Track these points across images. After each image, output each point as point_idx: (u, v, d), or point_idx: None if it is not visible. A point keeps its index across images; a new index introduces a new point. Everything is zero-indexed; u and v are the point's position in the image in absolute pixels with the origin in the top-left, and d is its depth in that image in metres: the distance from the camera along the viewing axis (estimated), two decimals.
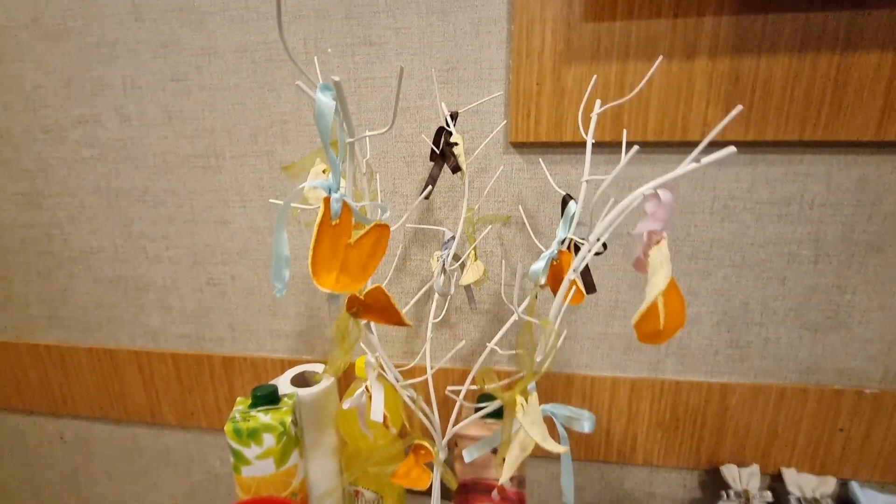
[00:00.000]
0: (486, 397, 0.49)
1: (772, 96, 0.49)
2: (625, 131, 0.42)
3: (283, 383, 0.55)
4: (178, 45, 0.57)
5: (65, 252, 0.68)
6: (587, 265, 0.42)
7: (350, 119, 0.26)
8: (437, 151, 0.46)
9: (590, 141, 0.38)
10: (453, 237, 0.48)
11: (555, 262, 0.40)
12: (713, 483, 0.63)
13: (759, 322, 0.57)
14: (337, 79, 0.24)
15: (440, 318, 0.55)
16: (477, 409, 0.44)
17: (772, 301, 0.56)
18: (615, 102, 0.47)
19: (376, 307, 0.29)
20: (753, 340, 0.58)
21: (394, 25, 0.53)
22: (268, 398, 0.49)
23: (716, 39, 0.48)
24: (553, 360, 0.34)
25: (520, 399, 0.32)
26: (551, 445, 0.30)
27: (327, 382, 0.56)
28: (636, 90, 0.41)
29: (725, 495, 0.57)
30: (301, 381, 0.58)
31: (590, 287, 0.41)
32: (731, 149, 0.24)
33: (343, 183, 0.27)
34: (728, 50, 0.48)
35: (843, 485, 0.60)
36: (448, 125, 0.47)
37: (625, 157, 0.31)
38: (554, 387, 0.60)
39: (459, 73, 0.54)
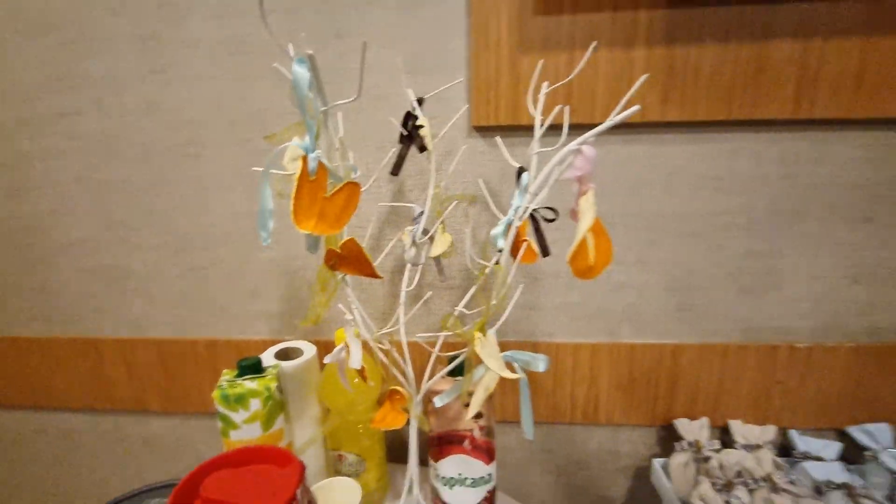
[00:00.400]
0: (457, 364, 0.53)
1: (702, 81, 0.55)
2: (566, 109, 0.47)
3: (267, 357, 0.58)
4: (157, 38, 0.60)
5: (46, 244, 0.70)
6: (541, 231, 0.47)
7: (323, 89, 0.30)
8: (406, 133, 0.51)
9: (538, 117, 0.43)
10: (422, 212, 0.53)
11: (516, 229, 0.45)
12: (669, 437, 0.68)
13: (703, 286, 0.63)
14: (311, 52, 0.28)
15: (412, 286, 0.59)
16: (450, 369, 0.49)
17: (712, 267, 0.62)
18: (561, 83, 0.52)
19: (351, 258, 0.33)
20: (698, 304, 0.64)
21: (364, 19, 0.58)
22: (252, 368, 0.53)
23: (651, 31, 0.54)
24: (505, 300, 0.38)
25: (478, 335, 0.36)
26: (507, 373, 0.35)
27: (309, 355, 0.59)
28: (575, 71, 0.46)
29: (680, 447, 0.63)
30: (284, 356, 0.61)
31: (545, 250, 0.46)
32: (634, 108, 0.29)
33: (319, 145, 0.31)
34: (662, 40, 0.54)
35: (783, 432, 0.66)
36: (414, 109, 0.51)
37: (565, 132, 0.36)
38: None
39: (426, 62, 0.58)
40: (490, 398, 0.46)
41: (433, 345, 0.47)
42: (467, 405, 0.50)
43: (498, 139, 0.51)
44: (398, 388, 0.44)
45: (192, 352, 0.70)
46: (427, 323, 0.66)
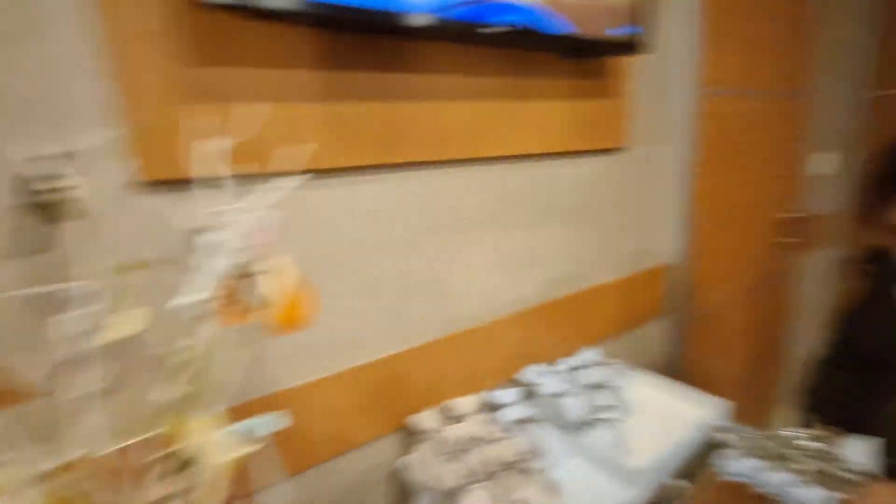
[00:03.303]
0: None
1: (365, 131, 0.65)
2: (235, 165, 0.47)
3: None
4: None
5: None
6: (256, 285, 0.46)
7: None
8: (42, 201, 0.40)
9: (227, 174, 0.42)
10: (96, 291, 0.43)
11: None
12: (411, 435, 0.77)
13: (403, 298, 0.74)
14: None
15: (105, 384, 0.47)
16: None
17: (406, 280, 0.74)
18: (243, 139, 0.52)
19: None
20: (403, 314, 0.74)
21: None
22: None
23: (314, 88, 0.61)
24: (204, 373, 0.35)
25: (195, 427, 0.32)
26: (244, 451, 0.32)
27: None
28: (246, 132, 0.47)
29: (420, 439, 0.72)
30: None
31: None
32: (304, 176, 0.33)
33: None
34: (326, 96, 0.61)
35: (490, 394, 0.84)
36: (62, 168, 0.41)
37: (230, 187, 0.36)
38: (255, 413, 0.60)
39: (46, 111, 0.47)
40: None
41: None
42: None
43: (160, 200, 0.46)
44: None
45: None
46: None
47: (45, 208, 0.39)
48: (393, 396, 0.74)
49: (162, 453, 0.34)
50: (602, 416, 0.80)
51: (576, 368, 0.91)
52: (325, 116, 0.62)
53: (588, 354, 0.95)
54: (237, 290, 0.44)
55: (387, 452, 0.75)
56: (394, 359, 0.73)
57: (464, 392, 0.82)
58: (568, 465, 0.74)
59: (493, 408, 0.80)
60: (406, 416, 0.76)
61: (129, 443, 0.37)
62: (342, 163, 0.64)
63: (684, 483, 0.74)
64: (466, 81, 0.74)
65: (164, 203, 0.54)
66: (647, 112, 1.04)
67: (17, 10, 0.45)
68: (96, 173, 0.49)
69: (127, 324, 0.45)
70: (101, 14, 0.48)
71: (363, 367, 0.70)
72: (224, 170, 0.45)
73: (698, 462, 0.76)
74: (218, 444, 0.32)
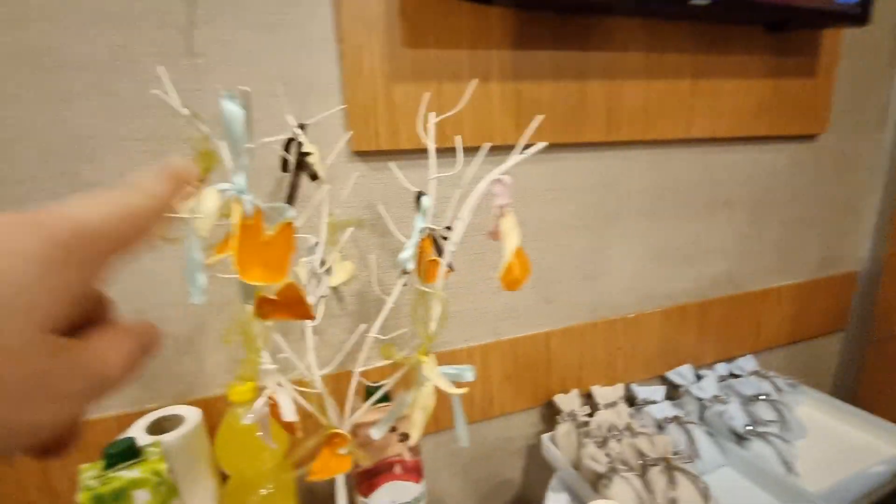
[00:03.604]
0: (373, 391, 0.52)
1: (543, 110, 0.66)
2: (459, 138, 0.52)
3: (138, 435, 0.48)
4: None
5: None
6: (441, 246, 0.50)
7: (252, 126, 0.27)
8: (294, 162, 0.48)
9: (432, 146, 0.46)
10: (318, 242, 0.51)
11: (418, 251, 0.47)
12: (550, 413, 0.79)
13: (559, 279, 0.75)
14: (247, 89, 0.25)
15: (318, 320, 0.56)
16: (368, 400, 0.48)
17: (564, 263, 0.74)
18: (447, 114, 0.56)
19: (286, 304, 0.30)
20: (558, 295, 0.75)
21: (219, 38, 0.53)
22: (126, 454, 0.43)
23: (502, 67, 0.63)
24: (446, 320, 0.40)
25: (423, 358, 0.37)
26: (454, 390, 0.37)
27: (193, 421, 0.51)
28: (460, 105, 0.51)
29: (561, 419, 0.73)
30: (158, 430, 0.51)
31: (450, 267, 0.49)
32: (543, 143, 0.35)
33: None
34: (511, 75, 0.63)
35: (627, 387, 0.83)
36: (297, 136, 0.49)
37: (462, 158, 0.40)
38: None
39: (294, 87, 0.56)
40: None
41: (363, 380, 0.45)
42: (393, 430, 0.50)
43: (392, 166, 0.52)
44: (337, 430, 0.41)
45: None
46: (323, 355, 0.63)
47: (302, 168, 0.46)
48: (537, 373, 0.76)
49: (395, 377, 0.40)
50: (762, 429, 0.73)
51: (732, 376, 0.85)
52: (512, 94, 0.64)
53: (746, 362, 0.87)
54: (432, 251, 0.48)
55: (526, 426, 0.78)
56: (542, 336, 0.75)
57: (605, 380, 0.81)
58: (719, 473, 0.70)
59: (638, 402, 0.78)
60: (547, 395, 0.78)
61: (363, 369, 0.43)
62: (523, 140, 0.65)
63: None
64: (650, 58, 0.70)
65: (376, 171, 0.61)
66: (855, 94, 0.88)
67: (277, 4, 0.53)
68: (324, 141, 0.58)
69: (342, 272, 0.53)
70: (337, 2, 0.55)
71: (515, 340, 0.73)
72: (431, 144, 0.49)
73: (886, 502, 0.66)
74: (445, 380, 0.36)
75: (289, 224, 0.28)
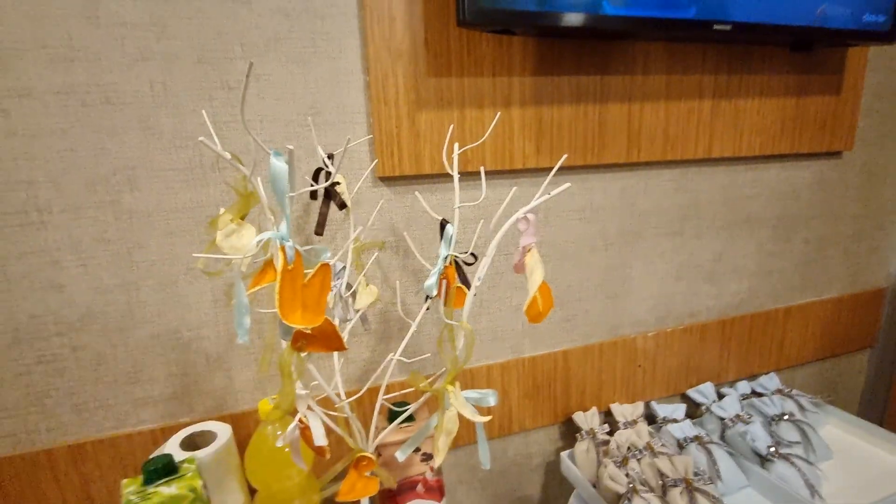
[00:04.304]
0: (395, 414, 0.54)
1: (563, 134, 0.67)
2: (482, 169, 0.54)
3: (173, 450, 0.50)
4: None
5: None
6: (465, 274, 0.52)
7: (294, 179, 0.29)
8: (322, 191, 0.50)
9: (456, 177, 0.48)
10: (344, 267, 0.53)
11: (441, 277, 0.49)
12: (569, 430, 0.80)
13: (579, 298, 0.76)
14: (291, 147, 0.27)
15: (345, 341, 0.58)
16: (394, 422, 0.50)
17: (584, 281, 0.75)
18: (469, 146, 0.58)
19: (321, 337, 0.32)
20: (578, 313, 0.76)
21: (253, 72, 0.55)
22: (164, 469, 0.45)
23: (523, 93, 0.64)
24: (472, 351, 0.41)
25: (450, 388, 0.39)
26: (478, 418, 0.38)
27: (225, 437, 0.53)
28: (485, 136, 0.53)
29: (580, 437, 0.74)
30: (191, 445, 0.53)
31: (467, 284, 0.51)
32: (567, 185, 0.36)
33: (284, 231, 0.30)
34: (532, 101, 0.65)
35: (647, 405, 0.83)
36: (326, 166, 0.51)
37: (483, 186, 0.41)
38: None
39: (324, 116, 0.58)
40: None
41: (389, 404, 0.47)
42: (416, 450, 0.52)
43: (418, 194, 0.54)
44: (366, 453, 0.43)
45: (47, 464, 0.56)
46: (347, 372, 0.65)
47: (331, 197, 0.48)
48: (557, 391, 0.77)
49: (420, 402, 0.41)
50: (786, 451, 0.72)
51: (755, 394, 0.84)
52: (533, 119, 0.65)
53: (769, 380, 0.86)
54: (456, 279, 0.50)
55: (545, 443, 0.79)
56: (561, 354, 0.76)
57: (625, 398, 0.81)
58: (741, 494, 0.69)
59: (658, 420, 0.78)
60: (566, 412, 0.78)
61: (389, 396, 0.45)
62: (546, 163, 0.67)
63: None
64: (670, 80, 0.70)
65: (399, 195, 0.62)
66: (882, 110, 0.87)
67: (311, 39, 0.56)
68: (348, 168, 0.60)
69: (367, 295, 0.55)
70: (364, 35, 0.57)
71: (534, 358, 0.74)
72: (455, 173, 0.50)
73: None
74: (470, 409, 0.38)
75: (325, 266, 0.30)
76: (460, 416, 0.40)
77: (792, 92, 0.78)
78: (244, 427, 0.61)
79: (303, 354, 0.34)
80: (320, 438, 0.37)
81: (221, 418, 0.60)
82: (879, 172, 0.92)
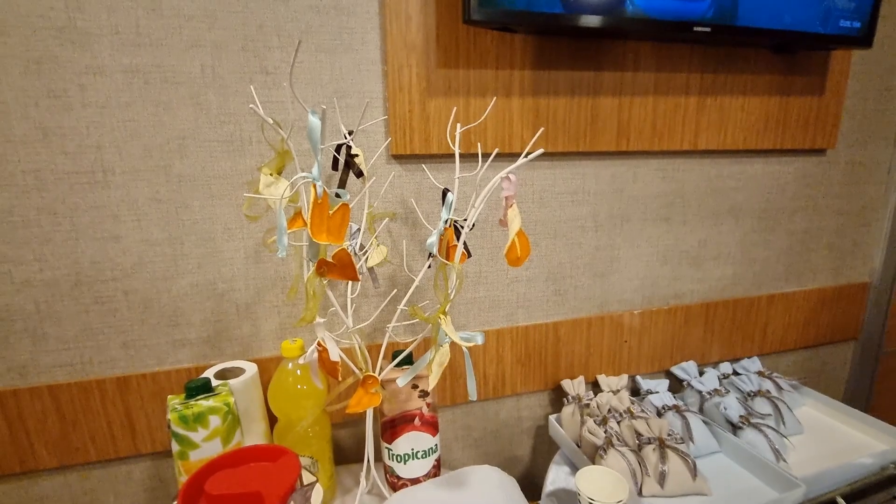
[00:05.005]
0: (398, 356, 0.62)
1: (558, 122, 0.75)
2: (479, 144, 0.61)
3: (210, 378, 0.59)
4: (54, 62, 0.57)
5: None
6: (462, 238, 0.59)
7: (325, 133, 0.37)
8: (343, 161, 0.59)
9: (457, 151, 0.55)
10: (359, 229, 0.61)
11: (441, 238, 0.56)
12: (557, 396, 0.87)
13: (570, 274, 0.83)
14: (324, 107, 0.35)
15: (356, 293, 0.66)
16: (396, 358, 0.58)
17: (575, 259, 0.82)
18: (470, 125, 0.66)
19: (339, 265, 0.40)
20: (568, 288, 0.83)
21: (287, 60, 0.64)
22: (203, 388, 0.54)
23: (522, 84, 0.72)
24: (461, 286, 0.49)
25: (442, 317, 0.46)
26: (464, 342, 0.46)
27: (252, 371, 0.62)
28: (482, 118, 0.60)
29: (566, 401, 0.81)
30: (222, 378, 0.62)
31: (468, 252, 0.59)
32: (540, 150, 0.44)
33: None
34: (530, 92, 0.72)
35: (632, 379, 0.89)
36: (347, 139, 0.60)
37: (481, 162, 0.49)
38: None
39: (347, 100, 0.67)
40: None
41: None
42: (415, 387, 0.60)
43: (424, 167, 0.62)
44: (371, 373, 0.51)
45: (97, 393, 0.65)
46: (359, 329, 0.73)
47: (350, 167, 0.57)
48: (547, 360, 0.84)
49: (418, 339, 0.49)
50: (757, 421, 0.78)
51: (735, 374, 0.90)
52: (531, 109, 0.73)
53: (751, 363, 0.92)
54: (454, 239, 0.57)
55: (535, 407, 0.86)
56: (552, 326, 0.83)
57: (611, 371, 0.88)
58: (712, 458, 0.75)
59: (641, 391, 0.85)
60: (555, 380, 0.85)
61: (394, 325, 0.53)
62: (542, 148, 0.74)
63: None
64: (658, 77, 0.77)
65: (410, 172, 0.71)
66: (866, 109, 0.93)
67: (338, 32, 0.64)
68: (367, 146, 0.68)
69: (377, 255, 0.63)
70: (384, 30, 0.65)
71: (527, 327, 0.81)
72: (456, 149, 0.58)
73: (871, 493, 0.70)
74: (453, 333, 0.45)
75: (345, 205, 0.38)
76: (455, 376, 0.47)
77: (776, 91, 0.84)
78: (267, 370, 0.69)
79: (324, 281, 0.42)
80: (335, 355, 0.45)
81: (248, 361, 0.69)
82: (863, 171, 0.97)
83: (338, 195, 0.37)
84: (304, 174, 0.37)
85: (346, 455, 0.77)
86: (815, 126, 0.88)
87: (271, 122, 0.41)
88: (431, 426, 0.60)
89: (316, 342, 0.47)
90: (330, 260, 0.40)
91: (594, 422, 0.73)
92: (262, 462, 0.43)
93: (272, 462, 0.43)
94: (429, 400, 0.60)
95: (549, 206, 0.79)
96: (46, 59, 0.57)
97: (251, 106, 0.38)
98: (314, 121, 0.36)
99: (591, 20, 0.63)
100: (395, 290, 0.73)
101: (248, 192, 0.62)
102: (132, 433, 0.68)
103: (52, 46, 0.57)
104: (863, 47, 0.77)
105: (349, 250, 0.60)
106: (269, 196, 0.42)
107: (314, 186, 0.36)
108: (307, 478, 0.41)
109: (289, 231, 0.41)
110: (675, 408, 0.79)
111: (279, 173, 0.45)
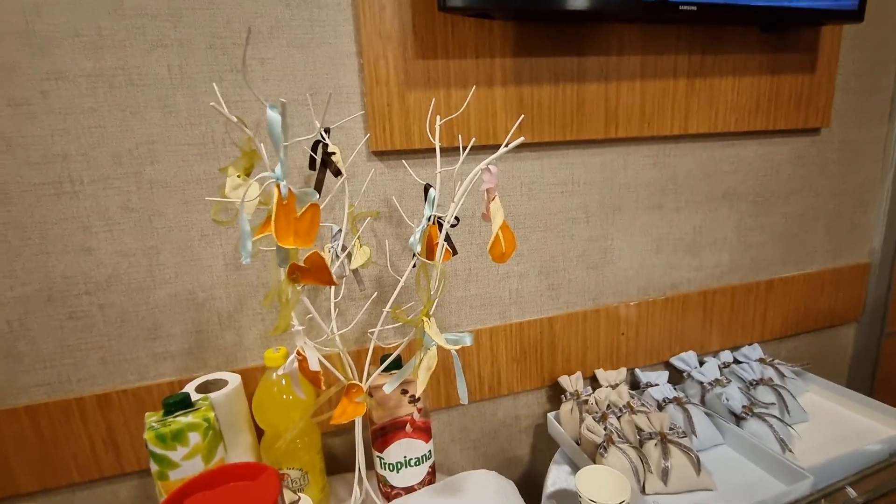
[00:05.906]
0: (386, 359, 0.60)
1: (543, 111, 0.72)
2: (460, 136, 0.59)
3: (190, 392, 0.57)
4: (13, 69, 0.55)
5: None
6: (448, 234, 0.57)
7: (287, 128, 0.35)
8: (319, 160, 0.56)
9: (438, 145, 0.53)
10: (340, 230, 0.58)
11: (424, 235, 0.54)
12: (555, 393, 0.84)
13: (563, 267, 0.80)
14: (283, 100, 0.33)
15: (340, 296, 0.64)
16: (383, 364, 0.55)
17: (567, 251, 0.80)
18: (451, 117, 0.64)
19: (313, 269, 0.37)
20: (561, 282, 0.81)
21: (258, 56, 0.61)
22: (181, 404, 0.51)
23: (504, 73, 0.69)
24: (443, 290, 0.46)
25: (425, 319, 0.44)
26: (449, 345, 0.44)
27: (235, 382, 0.59)
28: (460, 110, 0.58)
29: (564, 398, 0.79)
30: (204, 391, 0.60)
31: (454, 250, 0.56)
32: (521, 139, 0.42)
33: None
34: (513, 80, 0.70)
35: (631, 371, 0.87)
36: (323, 138, 0.57)
37: (463, 154, 0.47)
38: None
39: (322, 96, 0.64)
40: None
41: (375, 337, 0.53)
42: (404, 392, 0.57)
43: (404, 163, 0.60)
44: (356, 382, 0.49)
45: (77, 411, 0.63)
46: (345, 334, 0.71)
47: (327, 166, 0.54)
48: (543, 356, 0.82)
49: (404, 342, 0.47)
50: (760, 411, 0.76)
51: (736, 362, 0.88)
52: (514, 98, 0.70)
53: (752, 351, 0.90)
54: (438, 236, 0.55)
55: (533, 406, 0.84)
56: (547, 321, 0.80)
57: (609, 365, 0.86)
58: (716, 450, 0.73)
59: (641, 385, 0.83)
60: (552, 377, 0.83)
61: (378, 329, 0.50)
62: (528, 139, 0.72)
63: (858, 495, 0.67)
64: (645, 61, 0.75)
65: (392, 168, 0.68)
66: (860, 87, 0.91)
67: (309, 25, 0.62)
68: (346, 143, 0.66)
69: (361, 256, 0.60)
70: (357, 22, 0.63)
71: (522, 324, 0.79)
72: (437, 142, 0.56)
73: (881, 479, 0.68)
74: (437, 336, 0.43)
75: (314, 205, 0.36)
76: (449, 377, 0.45)
77: (766, 70, 0.82)
78: (252, 380, 0.67)
79: (298, 287, 0.39)
80: (315, 364, 0.43)
81: (231, 372, 0.67)
82: (858, 149, 0.95)
83: (306, 195, 0.35)
84: (266, 174, 0.35)
85: (340, 464, 0.75)
86: (808, 105, 0.86)
87: (235, 119, 0.39)
88: (424, 432, 0.58)
89: (296, 351, 0.45)
90: (302, 264, 0.37)
91: (593, 418, 0.71)
92: (241, 481, 0.41)
93: (252, 481, 0.41)
94: (420, 405, 0.57)
95: (537, 197, 0.76)
96: (4, 67, 0.55)
97: (212, 104, 0.35)
98: (273, 115, 0.34)
99: (572, 2, 0.60)
100: (376, 293, 0.70)
101: (215, 196, 0.60)
102: (116, 452, 0.65)
103: (10, 52, 0.54)
104: (854, 21, 0.75)
105: (331, 253, 0.58)
106: (237, 199, 0.40)
107: (278, 187, 0.34)
108: (288, 497, 0.39)
109: (260, 235, 0.39)
110: (677, 400, 0.77)
111: (248, 175, 0.43)
